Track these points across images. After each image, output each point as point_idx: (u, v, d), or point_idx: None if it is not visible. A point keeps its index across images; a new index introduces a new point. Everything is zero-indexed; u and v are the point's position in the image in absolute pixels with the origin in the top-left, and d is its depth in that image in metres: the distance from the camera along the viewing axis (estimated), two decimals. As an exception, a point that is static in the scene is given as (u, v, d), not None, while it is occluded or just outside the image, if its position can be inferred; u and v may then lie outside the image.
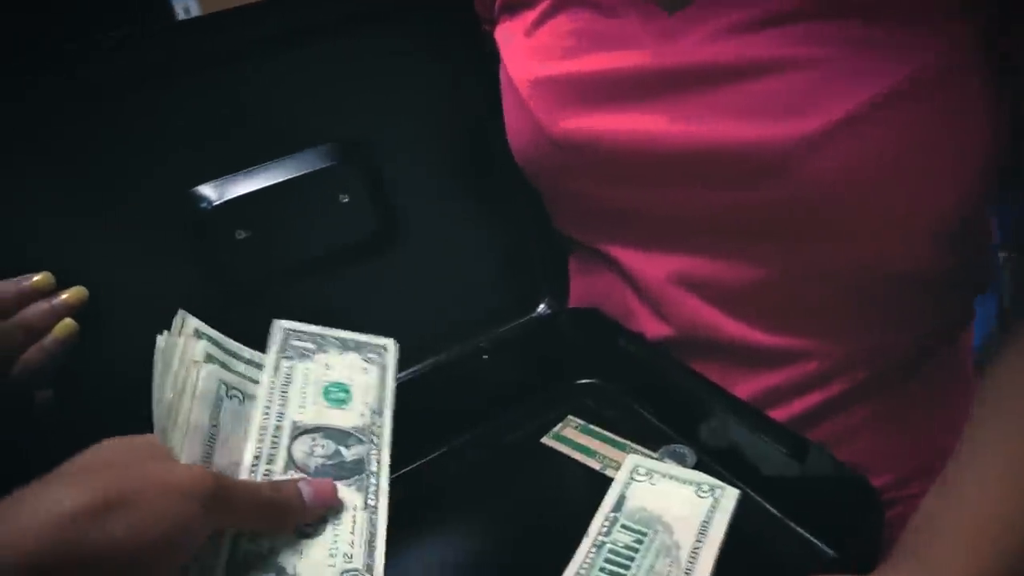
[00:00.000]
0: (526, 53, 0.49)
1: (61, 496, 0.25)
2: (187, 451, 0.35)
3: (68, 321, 0.42)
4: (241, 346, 0.42)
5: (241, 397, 0.39)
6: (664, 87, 0.43)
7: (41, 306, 0.42)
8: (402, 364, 0.54)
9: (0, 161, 0.43)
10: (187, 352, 0.38)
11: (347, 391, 0.42)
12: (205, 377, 0.37)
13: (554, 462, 0.51)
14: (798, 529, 0.42)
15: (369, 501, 0.38)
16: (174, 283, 0.48)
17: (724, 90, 0.42)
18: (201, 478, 0.29)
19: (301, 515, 0.34)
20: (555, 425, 0.54)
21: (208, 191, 0.49)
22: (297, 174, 0.50)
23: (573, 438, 0.53)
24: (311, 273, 0.52)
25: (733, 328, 0.47)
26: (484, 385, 0.56)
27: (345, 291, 0.53)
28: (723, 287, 0.47)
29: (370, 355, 0.45)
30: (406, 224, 0.54)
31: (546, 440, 0.53)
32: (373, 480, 0.39)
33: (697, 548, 0.41)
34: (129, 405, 0.47)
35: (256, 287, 0.50)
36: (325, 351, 0.44)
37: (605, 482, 0.47)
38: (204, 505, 0.29)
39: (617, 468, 0.49)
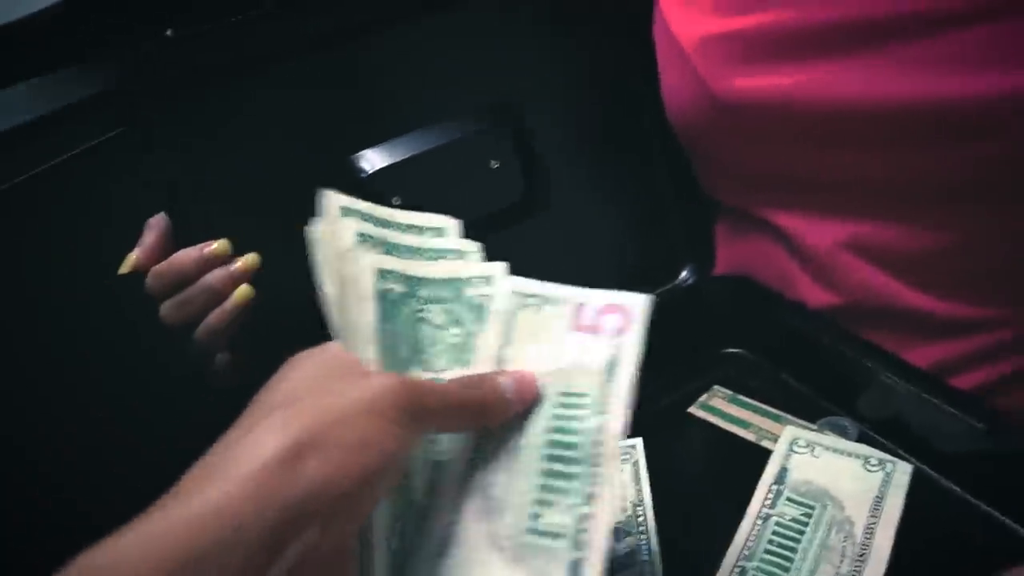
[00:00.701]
0: (693, 9, 0.47)
1: (256, 444, 0.25)
2: (366, 353, 0.30)
3: (245, 287, 0.44)
4: (395, 211, 0.36)
5: (404, 288, 0.33)
6: (852, 41, 0.41)
7: (220, 272, 0.43)
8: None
9: (169, 140, 0.46)
10: (338, 238, 0.33)
11: None
12: (361, 270, 0.32)
13: (703, 432, 0.50)
14: (984, 507, 0.40)
15: None
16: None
17: (920, 43, 0.39)
18: (393, 393, 0.27)
19: (504, 411, 0.30)
20: (700, 395, 0.54)
21: (364, 159, 0.50)
22: (448, 140, 0.50)
23: (722, 408, 0.52)
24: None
25: (910, 296, 0.45)
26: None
27: (493, 256, 0.54)
28: (902, 253, 0.44)
29: (622, 457, 0.43)
30: (553, 189, 0.54)
31: (693, 410, 0.52)
32: (647, 569, 0.38)
33: (872, 525, 0.40)
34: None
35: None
36: None
37: (760, 453, 0.46)
38: (402, 423, 0.27)
39: (773, 440, 0.48)
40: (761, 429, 0.49)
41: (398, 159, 0.49)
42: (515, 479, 0.29)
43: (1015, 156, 0.39)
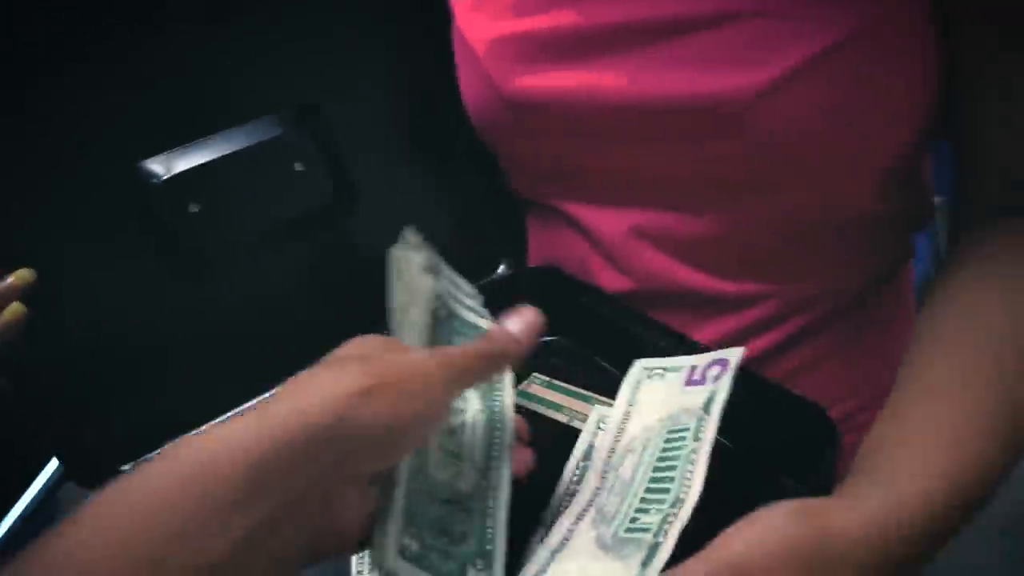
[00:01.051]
0: (481, 13, 0.49)
1: (336, 380, 0.30)
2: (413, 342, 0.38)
3: (16, 305, 0.41)
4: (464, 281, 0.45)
5: (446, 313, 0.42)
6: (615, 43, 0.44)
7: (-10, 286, 0.40)
8: (359, 332, 0.54)
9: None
10: (414, 260, 0.42)
11: None
12: (427, 287, 0.40)
13: (523, 418, 0.52)
14: (762, 464, 0.44)
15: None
16: (128, 261, 0.47)
17: (675, 43, 0.42)
18: (435, 365, 0.33)
19: (518, 352, 0.39)
20: (520, 383, 0.55)
21: (156, 165, 0.48)
22: (248, 144, 0.49)
23: (539, 395, 0.54)
24: (268, 245, 0.51)
25: (691, 277, 0.49)
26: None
27: (303, 262, 0.53)
28: (680, 238, 0.48)
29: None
30: (363, 189, 0.54)
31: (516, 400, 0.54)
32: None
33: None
34: (82, 390, 0.47)
35: (212, 261, 0.49)
36: None
37: (572, 434, 0.49)
38: (443, 383, 0.33)
39: (583, 420, 0.50)
40: (572, 411, 0.52)
41: (194, 164, 0.48)
42: (625, 499, 0.38)
43: (751, 148, 0.43)
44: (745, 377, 0.44)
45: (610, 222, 0.50)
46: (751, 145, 0.43)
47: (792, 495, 0.35)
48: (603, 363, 0.55)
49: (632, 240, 0.49)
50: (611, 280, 0.52)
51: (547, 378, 0.55)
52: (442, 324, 0.41)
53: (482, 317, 0.44)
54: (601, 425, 0.48)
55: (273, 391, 0.31)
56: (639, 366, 0.47)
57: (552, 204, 0.53)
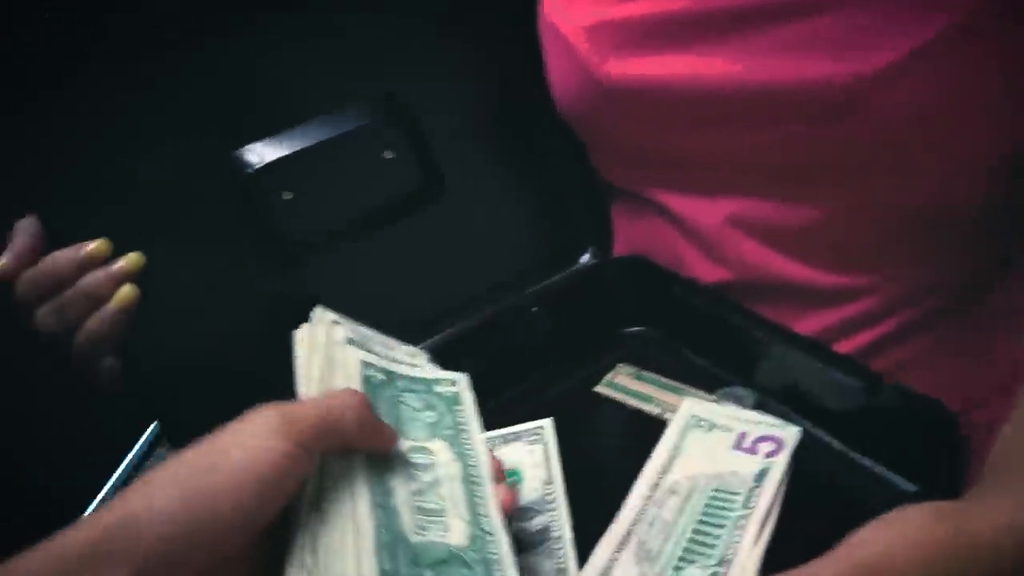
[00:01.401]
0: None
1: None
2: None
3: (128, 288, 0.42)
4: (376, 332, 0.42)
5: (385, 377, 0.39)
6: (722, 27, 0.42)
7: (99, 274, 0.41)
8: (446, 321, 0.54)
9: (44, 136, 0.43)
10: (330, 335, 0.38)
11: (518, 474, 0.44)
12: (349, 358, 0.38)
13: (610, 410, 0.51)
14: (874, 466, 0.42)
15: (559, 565, 0.39)
16: (224, 249, 0.48)
17: (784, 28, 0.41)
18: (264, 419, 0.30)
19: (364, 429, 0.33)
20: (605, 374, 0.55)
21: (249, 154, 0.48)
22: (338, 132, 0.50)
23: (626, 385, 0.53)
24: (358, 232, 0.51)
25: (791, 269, 0.47)
26: (530, 338, 0.56)
27: (392, 249, 0.53)
28: (781, 228, 0.46)
29: (532, 439, 0.46)
30: (449, 179, 0.53)
31: (600, 389, 0.53)
32: (558, 546, 0.40)
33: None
34: (192, 373, 0.48)
35: (304, 249, 0.50)
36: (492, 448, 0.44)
37: (664, 427, 0.48)
38: (288, 442, 0.29)
39: (675, 411, 0.49)
40: (664, 403, 0.50)
41: (286, 153, 0.48)
42: (669, 541, 0.39)
43: (861, 135, 0.41)
44: (859, 370, 0.42)
45: (706, 211, 0.49)
46: (860, 132, 0.41)
47: (911, 499, 0.33)
48: (692, 355, 0.54)
49: (728, 229, 0.48)
50: (705, 271, 0.50)
51: (635, 368, 0.54)
52: (380, 391, 0.38)
53: (433, 370, 0.42)
54: (690, 423, 0.47)
55: None
56: (686, 411, 0.47)
57: (644, 193, 0.52)
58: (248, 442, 0.29)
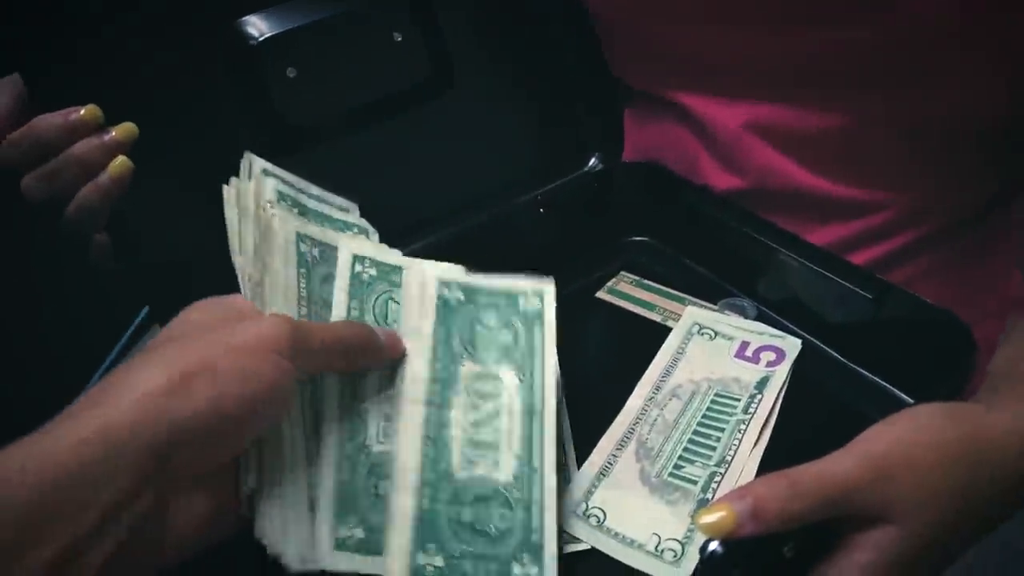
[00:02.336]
0: None
1: (141, 378, 0.26)
2: (276, 305, 0.33)
3: (123, 159, 0.39)
4: (308, 183, 0.40)
5: (318, 251, 0.37)
6: None
7: (92, 141, 0.39)
8: (449, 219, 0.53)
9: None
10: (259, 194, 0.36)
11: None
12: (281, 225, 0.35)
13: (611, 315, 0.51)
14: (864, 372, 0.43)
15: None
16: (223, 125, 0.45)
17: None
18: (279, 331, 0.29)
19: (377, 356, 0.34)
20: (607, 281, 0.54)
21: (252, 25, 0.45)
22: (348, 9, 0.46)
23: (628, 292, 0.53)
24: (361, 120, 0.49)
25: (807, 178, 0.46)
26: (534, 239, 0.55)
27: (395, 142, 0.51)
28: (801, 135, 0.45)
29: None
30: (457, 72, 0.51)
31: (601, 294, 0.53)
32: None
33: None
34: (181, 250, 0.46)
35: (305, 134, 0.48)
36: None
37: (666, 333, 0.48)
38: (288, 358, 0.28)
39: (677, 320, 0.49)
40: (666, 310, 0.50)
41: (291, 26, 0.45)
42: (670, 441, 0.40)
43: (895, 37, 0.40)
44: (872, 281, 0.42)
45: (726, 115, 0.47)
46: (890, 32, 0.40)
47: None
48: (695, 266, 0.54)
49: (747, 135, 0.47)
50: (719, 178, 0.49)
51: (636, 276, 0.54)
52: (313, 271, 0.36)
53: (361, 232, 0.40)
54: (693, 330, 0.47)
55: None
56: (689, 318, 0.47)
57: (661, 94, 0.50)
58: (272, 357, 0.28)
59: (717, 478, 0.38)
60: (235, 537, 0.30)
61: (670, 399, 0.43)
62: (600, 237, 0.56)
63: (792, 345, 0.45)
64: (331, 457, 0.32)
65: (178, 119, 0.44)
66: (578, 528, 0.36)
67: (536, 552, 0.32)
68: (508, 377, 0.36)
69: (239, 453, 0.29)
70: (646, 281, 0.53)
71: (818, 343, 0.45)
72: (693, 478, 0.38)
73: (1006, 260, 0.53)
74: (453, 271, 0.38)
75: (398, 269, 0.38)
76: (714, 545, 0.30)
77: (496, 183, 0.54)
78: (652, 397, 0.43)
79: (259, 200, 0.36)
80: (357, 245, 0.38)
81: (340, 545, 0.31)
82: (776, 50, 0.44)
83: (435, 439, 0.33)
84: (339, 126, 0.48)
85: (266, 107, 0.46)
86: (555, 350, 0.37)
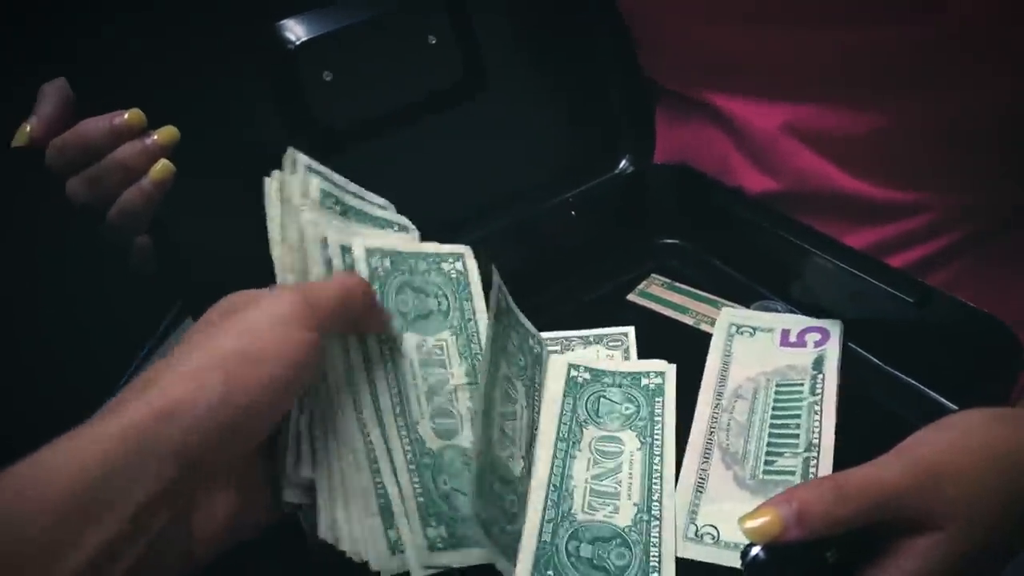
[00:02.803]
0: None
1: (157, 380, 0.26)
2: None
3: (165, 162, 0.40)
4: (347, 181, 0.40)
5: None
6: None
7: (135, 145, 0.39)
8: (483, 218, 0.53)
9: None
10: (305, 188, 0.37)
11: None
12: (319, 225, 0.36)
13: (644, 318, 0.51)
14: (905, 378, 0.43)
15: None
16: (260, 127, 0.46)
17: None
18: (292, 301, 0.29)
19: (378, 317, 0.35)
20: (639, 283, 0.54)
21: (294, 27, 0.46)
22: (383, 11, 0.47)
23: (660, 295, 0.53)
24: (397, 122, 0.49)
25: (845, 180, 0.46)
26: (565, 241, 0.55)
27: (429, 142, 0.51)
28: (840, 137, 0.45)
29: (613, 343, 0.47)
30: (491, 73, 0.51)
31: (632, 297, 0.53)
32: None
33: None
34: (221, 253, 0.47)
35: (342, 135, 0.48)
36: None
37: (701, 336, 0.48)
38: (305, 328, 0.29)
39: (711, 323, 0.49)
40: (698, 313, 0.50)
41: (329, 29, 0.45)
42: (751, 441, 0.40)
43: (938, 42, 0.40)
44: (913, 285, 0.42)
45: (762, 116, 0.47)
46: (937, 33, 0.39)
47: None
48: (727, 268, 0.53)
49: (785, 137, 0.47)
50: (754, 180, 0.49)
51: (667, 279, 0.54)
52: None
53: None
54: (732, 331, 0.47)
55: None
56: (725, 320, 0.47)
57: (695, 95, 0.50)
58: (282, 332, 0.28)
59: (812, 462, 0.38)
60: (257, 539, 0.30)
61: (736, 401, 0.42)
62: (631, 239, 0.56)
63: (834, 323, 0.45)
64: (400, 459, 0.33)
65: (218, 122, 0.45)
66: (694, 551, 0.36)
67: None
68: (629, 438, 0.40)
69: (262, 439, 0.29)
70: (678, 284, 0.53)
71: (858, 348, 0.45)
72: (789, 469, 0.38)
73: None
74: (584, 358, 0.44)
75: (414, 256, 0.40)
76: (756, 550, 0.29)
77: (527, 185, 0.55)
78: (718, 403, 0.43)
79: (305, 192, 0.37)
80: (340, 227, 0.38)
81: (432, 546, 0.32)
82: (816, 51, 0.43)
83: (559, 486, 0.37)
84: (374, 128, 0.49)
85: (303, 110, 0.46)
86: (673, 418, 0.41)
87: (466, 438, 0.36)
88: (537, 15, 0.52)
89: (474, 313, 0.40)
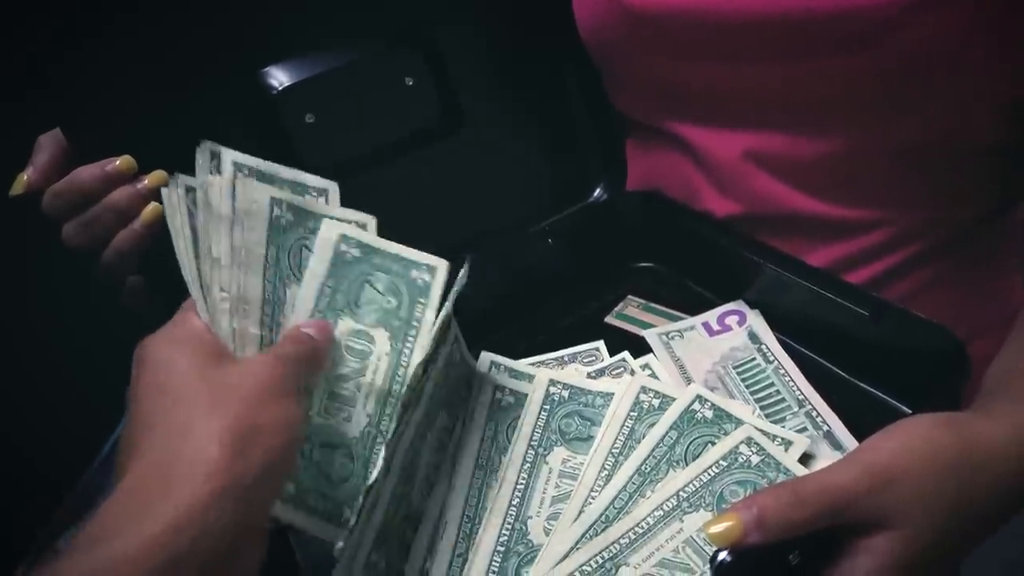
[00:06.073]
0: None
1: (197, 454, 0.27)
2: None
3: (155, 205, 0.42)
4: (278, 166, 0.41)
5: (360, 252, 0.39)
6: None
7: (127, 190, 0.41)
8: (461, 250, 0.55)
9: (70, 53, 0.42)
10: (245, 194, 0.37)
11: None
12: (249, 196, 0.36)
13: (621, 339, 0.53)
14: (862, 385, 0.45)
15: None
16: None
17: None
18: (277, 373, 0.31)
19: (326, 355, 0.36)
20: (615, 306, 0.56)
21: (276, 74, 0.48)
22: (361, 56, 0.49)
23: (636, 316, 0.55)
24: (377, 160, 0.52)
25: (803, 202, 0.48)
26: (543, 269, 0.57)
27: (407, 179, 0.53)
28: (796, 161, 0.48)
29: (587, 359, 0.48)
30: (467, 109, 0.54)
31: (610, 319, 0.55)
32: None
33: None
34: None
35: (326, 171, 0.50)
36: None
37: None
38: (295, 393, 0.31)
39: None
40: (672, 333, 0.52)
41: (310, 75, 0.48)
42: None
43: (884, 66, 0.42)
44: (867, 299, 0.44)
45: (723, 145, 0.49)
46: (883, 63, 0.42)
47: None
48: (698, 288, 0.56)
49: (745, 164, 0.49)
50: (718, 205, 0.52)
51: (642, 300, 0.56)
52: (351, 264, 0.38)
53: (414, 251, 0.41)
54: (665, 340, 0.49)
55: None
56: (654, 336, 0.50)
57: (661, 126, 0.53)
58: (280, 404, 0.30)
59: (814, 414, 0.42)
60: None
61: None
62: (607, 264, 0.58)
63: (737, 303, 0.50)
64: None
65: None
66: None
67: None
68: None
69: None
70: (653, 304, 0.55)
71: (818, 358, 0.47)
72: (800, 427, 0.41)
73: (1009, 270, 0.54)
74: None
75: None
76: (723, 554, 0.31)
77: (507, 216, 0.57)
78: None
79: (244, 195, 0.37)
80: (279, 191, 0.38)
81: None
82: (773, 82, 0.46)
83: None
84: (356, 166, 0.51)
85: (287, 151, 0.49)
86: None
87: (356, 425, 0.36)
88: (508, 54, 0.55)
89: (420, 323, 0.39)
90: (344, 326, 0.37)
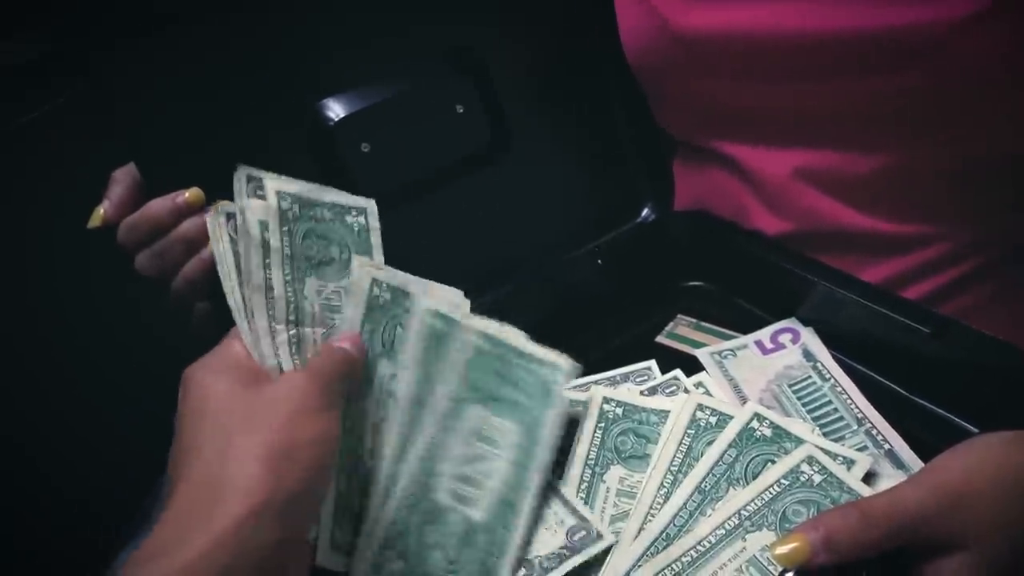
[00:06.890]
0: None
1: (236, 477, 0.29)
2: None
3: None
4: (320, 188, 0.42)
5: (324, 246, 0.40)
6: None
7: (196, 220, 0.43)
8: (514, 272, 0.56)
9: (139, 92, 0.45)
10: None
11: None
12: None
13: (672, 359, 0.53)
14: (926, 403, 0.44)
15: None
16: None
17: None
18: (311, 390, 0.32)
19: (359, 367, 0.37)
20: (666, 325, 0.56)
21: (328, 107, 0.50)
22: (412, 86, 0.51)
23: (687, 335, 0.55)
24: (431, 185, 0.53)
25: (856, 219, 0.48)
26: (594, 290, 0.58)
27: (460, 202, 0.54)
28: (849, 178, 0.47)
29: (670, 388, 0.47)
30: (516, 133, 0.55)
31: (661, 339, 0.55)
32: None
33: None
34: None
35: (381, 197, 0.52)
36: None
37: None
38: (330, 409, 0.32)
39: (737, 360, 0.51)
40: (725, 351, 0.52)
41: (364, 105, 0.49)
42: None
43: (939, 83, 0.42)
44: (928, 316, 0.44)
45: (773, 163, 0.50)
46: (934, 79, 0.42)
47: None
48: (751, 307, 0.55)
49: (795, 182, 0.49)
50: (769, 223, 0.52)
51: (693, 319, 0.56)
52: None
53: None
54: (718, 359, 0.49)
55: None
56: (706, 355, 0.50)
57: (708, 145, 0.53)
58: (318, 418, 0.32)
59: (874, 432, 0.41)
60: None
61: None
62: (656, 284, 0.59)
63: (790, 320, 0.49)
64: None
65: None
66: None
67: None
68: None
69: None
70: (704, 323, 0.55)
71: (875, 375, 0.47)
72: (860, 446, 0.41)
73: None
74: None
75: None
76: (790, 575, 0.31)
77: (556, 237, 0.58)
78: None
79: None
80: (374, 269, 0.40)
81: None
82: (823, 100, 0.46)
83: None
84: (410, 192, 0.52)
85: (344, 179, 0.50)
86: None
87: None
88: (555, 79, 0.56)
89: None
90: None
